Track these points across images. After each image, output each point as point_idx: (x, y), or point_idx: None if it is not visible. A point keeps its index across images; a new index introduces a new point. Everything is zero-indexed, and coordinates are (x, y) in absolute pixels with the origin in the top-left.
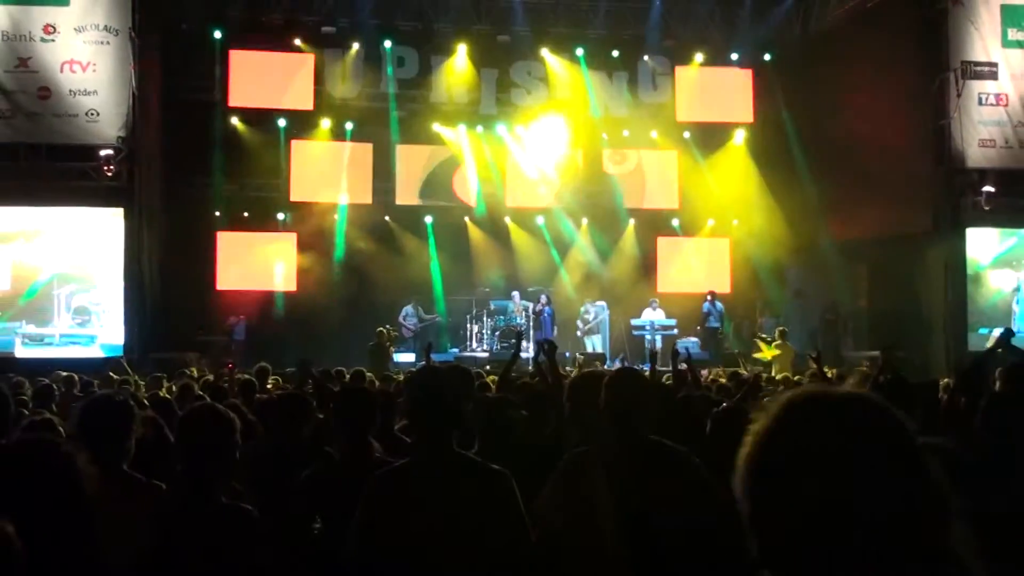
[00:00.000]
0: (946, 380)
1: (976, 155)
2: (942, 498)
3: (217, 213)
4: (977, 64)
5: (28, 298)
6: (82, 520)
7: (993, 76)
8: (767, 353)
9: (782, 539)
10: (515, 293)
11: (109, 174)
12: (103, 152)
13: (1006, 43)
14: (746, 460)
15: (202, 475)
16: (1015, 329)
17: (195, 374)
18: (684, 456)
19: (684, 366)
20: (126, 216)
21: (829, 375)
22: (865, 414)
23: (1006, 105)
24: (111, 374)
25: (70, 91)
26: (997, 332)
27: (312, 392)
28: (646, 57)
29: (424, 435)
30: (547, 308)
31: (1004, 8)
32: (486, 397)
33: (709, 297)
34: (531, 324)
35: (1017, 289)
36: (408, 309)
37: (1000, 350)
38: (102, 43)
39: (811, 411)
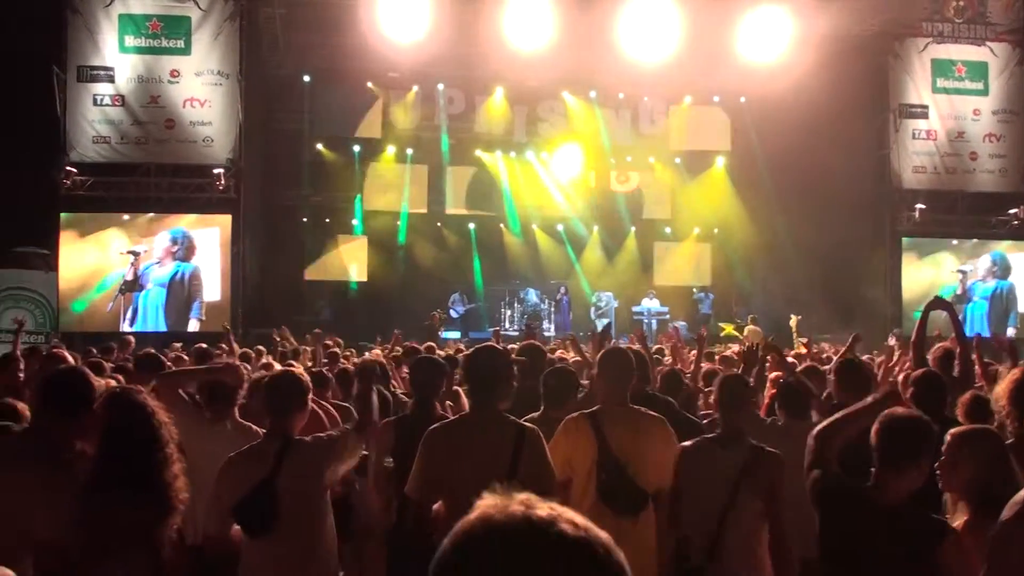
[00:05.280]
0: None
1: (910, 179)
2: None
3: (304, 219)
4: (912, 106)
5: None
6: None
7: (924, 116)
8: (728, 329)
9: None
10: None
11: (220, 188)
12: (216, 170)
13: (935, 90)
14: None
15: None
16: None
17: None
18: (659, 418)
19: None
20: (233, 221)
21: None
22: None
23: (935, 139)
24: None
25: (190, 122)
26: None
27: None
28: (646, 98)
29: (475, 398)
30: (565, 297)
31: (934, 62)
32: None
33: (703, 290)
34: (552, 309)
35: (966, 296)
36: (455, 296)
37: (931, 311)
38: (216, 84)
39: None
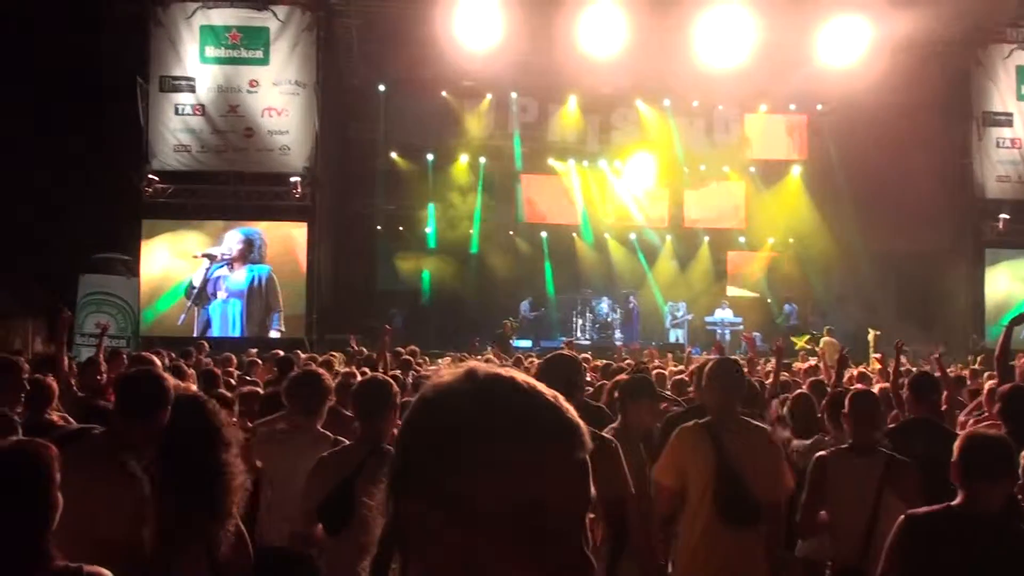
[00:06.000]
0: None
1: (994, 188)
2: None
3: (378, 227)
4: (996, 114)
5: None
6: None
7: (1009, 124)
8: (801, 343)
9: None
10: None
11: (297, 196)
12: (292, 179)
13: (1020, 97)
14: None
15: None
16: None
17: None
18: (763, 429)
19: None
20: (309, 229)
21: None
22: None
23: (1020, 148)
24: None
25: (268, 131)
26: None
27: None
28: (720, 106)
29: None
30: (635, 307)
31: (1019, 68)
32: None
33: (788, 301)
34: (622, 318)
35: None
36: (525, 304)
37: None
38: (293, 94)
39: None
